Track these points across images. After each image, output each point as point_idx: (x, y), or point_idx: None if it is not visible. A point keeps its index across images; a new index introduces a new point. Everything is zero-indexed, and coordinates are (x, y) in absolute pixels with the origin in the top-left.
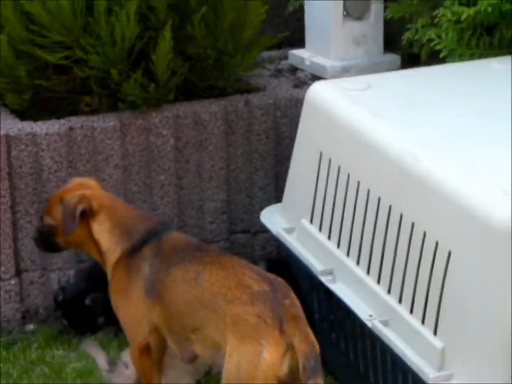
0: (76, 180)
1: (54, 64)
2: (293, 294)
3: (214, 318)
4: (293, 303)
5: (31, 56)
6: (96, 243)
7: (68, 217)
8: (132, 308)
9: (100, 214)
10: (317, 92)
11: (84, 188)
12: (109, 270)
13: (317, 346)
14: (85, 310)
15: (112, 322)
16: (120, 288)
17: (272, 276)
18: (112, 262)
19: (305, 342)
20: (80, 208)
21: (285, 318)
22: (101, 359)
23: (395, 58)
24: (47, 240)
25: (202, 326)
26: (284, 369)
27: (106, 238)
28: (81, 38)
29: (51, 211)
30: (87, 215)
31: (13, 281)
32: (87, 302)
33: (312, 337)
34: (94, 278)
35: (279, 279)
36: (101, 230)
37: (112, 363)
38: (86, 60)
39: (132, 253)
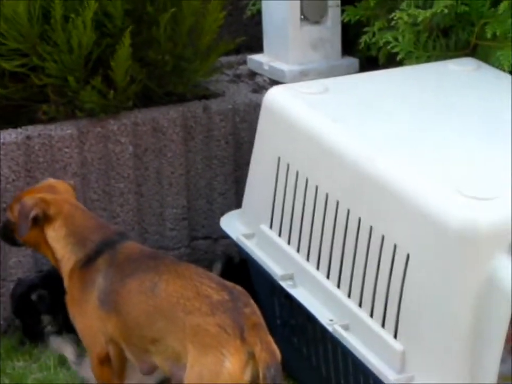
0: (49, 181)
1: (10, 71)
2: (252, 302)
3: (173, 329)
4: (253, 311)
5: None
6: (51, 249)
7: (21, 219)
8: (87, 319)
9: (56, 221)
10: (274, 96)
11: (50, 190)
12: (64, 278)
13: (278, 355)
14: (30, 306)
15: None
16: (75, 300)
17: (231, 285)
18: (67, 270)
19: (266, 351)
20: (33, 213)
21: (245, 327)
22: (68, 352)
23: (353, 61)
24: (8, 234)
25: (161, 337)
26: (246, 378)
27: (61, 245)
28: (38, 45)
29: (13, 208)
30: (42, 220)
31: None
32: (33, 297)
33: (273, 345)
34: (51, 277)
35: (238, 287)
36: (56, 237)
37: (80, 356)
38: (43, 67)
39: (86, 263)
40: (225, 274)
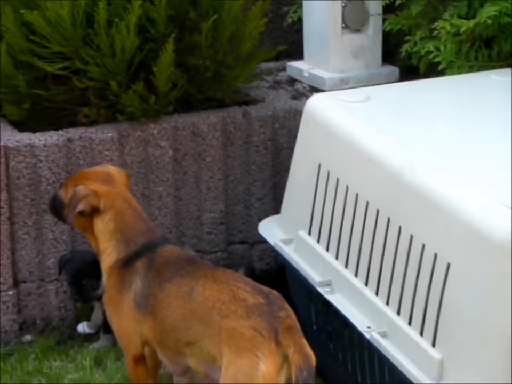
0: (107, 167)
1: (53, 74)
2: (287, 306)
3: (209, 332)
4: (288, 314)
5: (30, 66)
6: (96, 239)
7: (71, 207)
8: (123, 320)
9: (106, 214)
10: (316, 104)
11: (106, 179)
12: (103, 273)
13: (312, 358)
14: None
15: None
16: (113, 300)
17: (266, 289)
18: (107, 266)
19: (299, 354)
20: (80, 207)
21: (280, 330)
22: None
23: (394, 70)
24: (57, 210)
25: (197, 340)
26: (280, 381)
27: (106, 239)
28: (80, 49)
29: (67, 188)
30: (91, 212)
31: (10, 292)
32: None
33: (307, 348)
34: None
35: (274, 292)
36: (103, 230)
37: None
38: (85, 71)
39: (125, 263)
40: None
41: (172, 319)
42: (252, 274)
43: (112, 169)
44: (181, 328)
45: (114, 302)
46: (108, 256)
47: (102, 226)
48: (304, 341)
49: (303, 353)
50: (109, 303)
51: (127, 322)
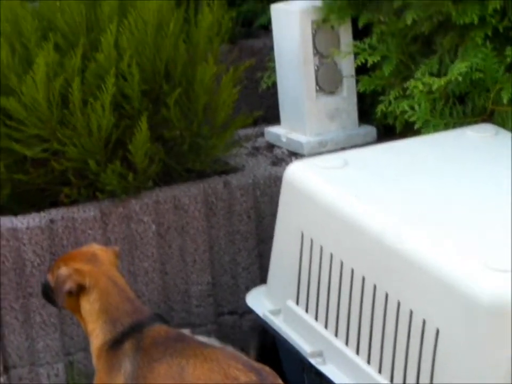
0: (92, 246)
1: (32, 157)
2: (280, 381)
3: None
4: None
5: (9, 151)
6: (83, 320)
7: (58, 290)
8: None
9: (92, 294)
10: (294, 172)
11: (91, 258)
12: (92, 354)
13: None
14: None
15: None
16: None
17: (259, 365)
18: (95, 347)
19: None
20: (67, 287)
21: None
22: None
23: (371, 130)
24: (49, 295)
25: None
26: None
27: (93, 319)
28: (57, 131)
29: (53, 272)
30: (78, 291)
31: (1, 379)
32: None
33: None
34: None
35: (266, 368)
36: (89, 310)
37: None
38: (64, 152)
39: (113, 346)
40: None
41: None
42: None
43: (97, 248)
44: None
45: None
46: (96, 338)
47: (88, 306)
48: None
49: None
50: None
51: None
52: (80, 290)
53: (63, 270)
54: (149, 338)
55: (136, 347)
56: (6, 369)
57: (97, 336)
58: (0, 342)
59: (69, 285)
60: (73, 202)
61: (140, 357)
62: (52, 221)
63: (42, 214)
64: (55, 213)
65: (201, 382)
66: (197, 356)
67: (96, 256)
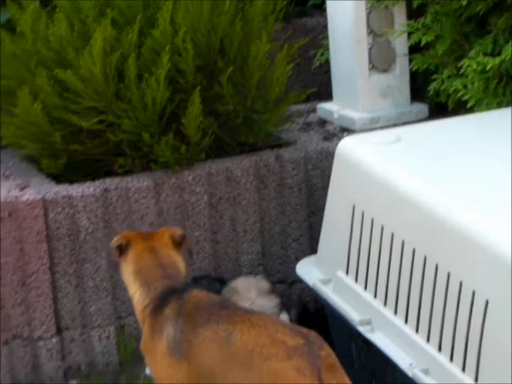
0: (161, 229)
1: (87, 128)
2: (327, 345)
3: (249, 376)
4: (329, 353)
5: (65, 122)
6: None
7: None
8: (158, 367)
9: (129, 256)
10: (347, 147)
11: (145, 233)
12: (137, 318)
13: None
14: None
15: None
16: (147, 347)
17: (305, 330)
18: (138, 311)
19: None
20: (111, 244)
21: (322, 369)
22: None
23: (422, 107)
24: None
25: None
26: None
27: (130, 283)
28: (113, 103)
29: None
30: (120, 253)
31: (54, 340)
32: None
33: None
34: None
35: (313, 333)
36: (126, 272)
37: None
38: (119, 124)
39: (153, 311)
40: (300, 322)
41: (208, 364)
42: (306, 313)
43: (164, 229)
44: (219, 373)
45: (149, 349)
46: (137, 303)
47: (126, 268)
48: (347, 378)
49: None
50: (145, 350)
51: (163, 369)
52: (122, 252)
53: (116, 237)
54: (191, 304)
55: (178, 312)
56: (59, 330)
57: (138, 300)
58: (54, 304)
59: (112, 244)
60: (127, 172)
61: (183, 322)
62: (106, 190)
63: (97, 183)
64: (109, 182)
65: (249, 346)
66: (244, 322)
67: (152, 233)
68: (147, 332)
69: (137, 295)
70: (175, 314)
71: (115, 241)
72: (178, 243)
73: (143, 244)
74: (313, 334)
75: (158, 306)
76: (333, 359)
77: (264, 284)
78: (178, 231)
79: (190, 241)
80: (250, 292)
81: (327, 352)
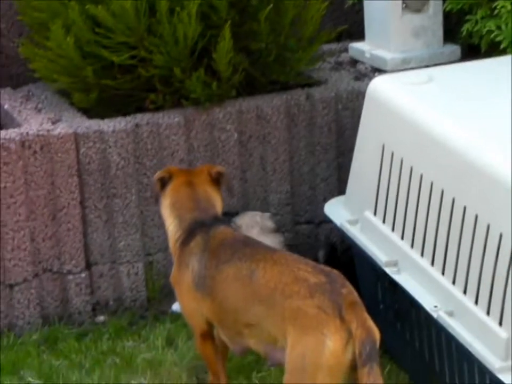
0: (203, 166)
1: (119, 63)
2: (348, 283)
3: (271, 313)
4: (350, 291)
5: (97, 57)
6: None
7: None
8: (185, 299)
9: (167, 189)
10: (378, 86)
11: (186, 169)
12: (171, 250)
13: (375, 332)
14: None
15: None
16: (176, 279)
17: (327, 268)
18: (171, 244)
19: (362, 328)
20: (154, 177)
21: (343, 306)
22: None
23: (455, 48)
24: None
25: (258, 321)
26: (347, 356)
27: (166, 215)
28: (144, 39)
29: None
30: (161, 186)
31: (83, 275)
32: None
33: (369, 322)
34: None
35: (335, 271)
36: (164, 205)
37: None
38: (150, 59)
39: (182, 243)
40: (328, 262)
41: (231, 301)
42: (333, 254)
43: (205, 166)
44: (241, 309)
45: (177, 281)
46: (170, 235)
47: (164, 201)
48: (367, 316)
49: (366, 328)
50: (174, 282)
51: (189, 302)
52: (163, 186)
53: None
54: (216, 240)
55: (203, 247)
56: (88, 265)
57: (171, 232)
58: (84, 239)
59: (155, 177)
60: (158, 108)
61: (207, 257)
62: (137, 125)
63: (128, 118)
64: (140, 118)
65: (272, 284)
66: (266, 260)
67: (193, 169)
68: (176, 264)
69: (171, 227)
70: (201, 249)
71: (158, 174)
72: (215, 180)
73: (182, 178)
74: (335, 272)
75: (186, 239)
76: (354, 297)
77: (269, 223)
78: (216, 168)
79: (229, 179)
80: (253, 229)
81: (348, 290)
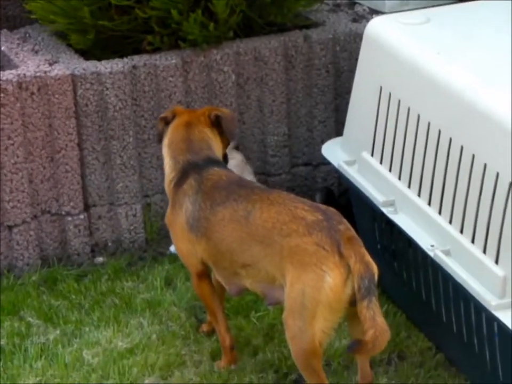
0: (206, 107)
1: (116, 4)
2: (345, 220)
3: (269, 252)
4: (347, 227)
5: None
6: None
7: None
8: (179, 240)
9: (168, 129)
10: (376, 27)
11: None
12: (166, 191)
13: (373, 266)
14: None
15: None
16: (170, 220)
17: (323, 206)
18: (166, 184)
19: (360, 262)
20: (160, 116)
21: (341, 242)
22: None
23: None
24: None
25: (255, 262)
26: (347, 291)
27: (164, 155)
28: None
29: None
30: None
31: (81, 216)
32: None
33: (367, 257)
34: None
35: (331, 209)
36: (163, 144)
37: None
38: (147, 0)
39: (177, 184)
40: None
41: (227, 242)
42: (331, 197)
43: (211, 107)
44: (237, 250)
45: (171, 222)
46: (166, 175)
47: (164, 141)
48: (364, 250)
49: (364, 262)
50: (168, 223)
51: (183, 243)
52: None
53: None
54: (209, 181)
55: (196, 189)
56: (87, 207)
57: (167, 172)
58: (82, 181)
59: (160, 116)
60: (155, 50)
61: (201, 199)
62: (134, 67)
63: (125, 59)
64: (137, 59)
65: (269, 223)
66: (262, 200)
67: (196, 110)
68: (170, 205)
69: (166, 167)
70: (194, 190)
71: (163, 114)
72: (216, 122)
73: (182, 119)
74: (331, 210)
75: (179, 180)
76: (351, 233)
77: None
78: (214, 111)
79: (230, 121)
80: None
81: (346, 226)
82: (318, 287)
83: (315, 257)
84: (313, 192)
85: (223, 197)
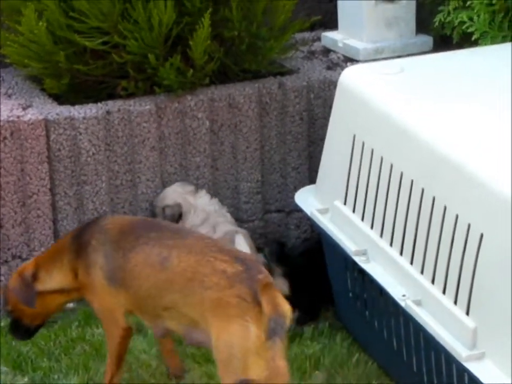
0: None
1: (91, 49)
2: (263, 268)
3: (189, 301)
4: (266, 276)
5: (70, 42)
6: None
7: (23, 292)
8: (101, 299)
9: (39, 275)
10: (350, 76)
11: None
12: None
13: (283, 308)
14: None
15: None
16: (88, 284)
17: (243, 255)
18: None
19: (271, 305)
20: (28, 274)
21: (258, 290)
22: None
23: (427, 39)
24: (19, 327)
25: (175, 307)
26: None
27: (59, 278)
28: (119, 24)
29: (8, 298)
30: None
31: None
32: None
33: (278, 299)
34: None
35: (250, 256)
36: (51, 281)
37: None
38: (124, 45)
39: (78, 251)
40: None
41: (145, 288)
42: (282, 250)
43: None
44: (156, 295)
45: (89, 286)
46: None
47: (48, 281)
48: (278, 294)
49: (274, 304)
50: (86, 288)
51: (104, 299)
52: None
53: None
54: (113, 230)
55: (103, 240)
56: None
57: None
58: (54, 226)
59: (28, 272)
60: (129, 95)
61: (111, 248)
62: (108, 112)
63: (99, 105)
64: (111, 105)
65: (189, 273)
66: (179, 247)
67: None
68: (83, 271)
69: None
70: (100, 242)
71: (26, 274)
72: None
73: (37, 259)
74: (250, 258)
75: (81, 247)
76: (267, 280)
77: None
78: None
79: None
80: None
81: (264, 275)
82: (244, 337)
83: (238, 309)
84: (286, 239)
85: (132, 241)
